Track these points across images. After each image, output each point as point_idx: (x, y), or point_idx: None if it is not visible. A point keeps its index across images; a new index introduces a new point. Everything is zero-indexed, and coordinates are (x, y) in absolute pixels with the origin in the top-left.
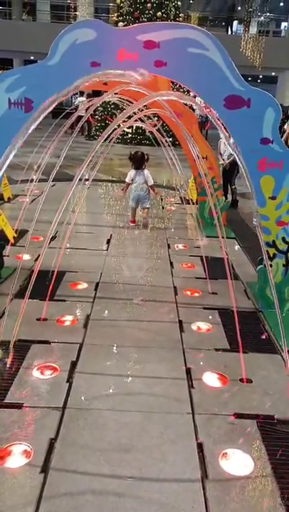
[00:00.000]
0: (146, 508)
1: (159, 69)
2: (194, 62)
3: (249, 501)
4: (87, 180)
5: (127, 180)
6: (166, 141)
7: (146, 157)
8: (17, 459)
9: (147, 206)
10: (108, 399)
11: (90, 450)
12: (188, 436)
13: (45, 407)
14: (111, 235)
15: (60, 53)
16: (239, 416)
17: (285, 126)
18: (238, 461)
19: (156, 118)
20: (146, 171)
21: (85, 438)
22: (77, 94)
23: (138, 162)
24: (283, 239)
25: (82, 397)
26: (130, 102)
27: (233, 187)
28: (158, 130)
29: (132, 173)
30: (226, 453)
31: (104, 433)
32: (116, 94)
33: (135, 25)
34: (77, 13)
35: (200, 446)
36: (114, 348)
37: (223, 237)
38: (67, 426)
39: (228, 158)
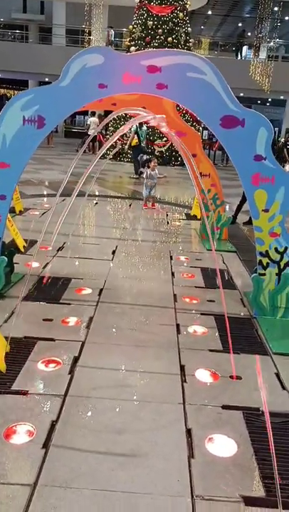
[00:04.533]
0: (136, 480)
1: (160, 91)
2: (193, 85)
3: (231, 478)
4: (96, 196)
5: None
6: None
7: (150, 161)
8: (21, 436)
9: (153, 194)
10: (106, 389)
11: (88, 431)
12: (178, 423)
13: (48, 394)
14: (116, 247)
15: (70, 76)
16: (227, 407)
17: None
18: (223, 445)
19: (164, 139)
20: (156, 171)
21: (84, 421)
22: (88, 114)
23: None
24: (276, 249)
25: (83, 387)
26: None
27: None
28: (166, 150)
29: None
30: (212, 437)
31: (101, 418)
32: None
33: (139, 51)
34: (91, 37)
35: (188, 431)
36: (115, 346)
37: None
38: (67, 411)
39: None
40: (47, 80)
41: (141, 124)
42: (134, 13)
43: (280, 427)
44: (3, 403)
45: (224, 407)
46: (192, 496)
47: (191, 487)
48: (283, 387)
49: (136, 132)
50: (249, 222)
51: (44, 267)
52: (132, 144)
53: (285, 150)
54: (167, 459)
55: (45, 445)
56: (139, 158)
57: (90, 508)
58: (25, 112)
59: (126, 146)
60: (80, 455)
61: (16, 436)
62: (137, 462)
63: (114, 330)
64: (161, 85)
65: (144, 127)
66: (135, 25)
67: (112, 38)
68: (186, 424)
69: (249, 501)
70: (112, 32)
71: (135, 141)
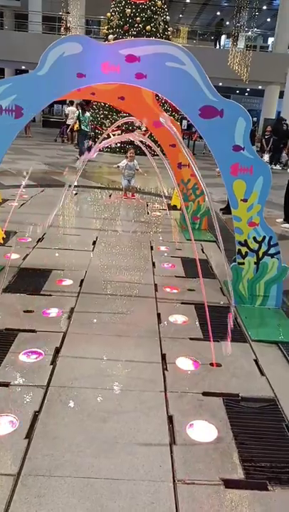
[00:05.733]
0: (118, 467)
1: (139, 81)
2: (172, 75)
3: (211, 462)
4: (76, 186)
5: (120, 164)
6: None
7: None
8: (3, 427)
9: (132, 184)
10: (89, 379)
11: (71, 420)
12: (159, 410)
13: (30, 385)
14: (97, 237)
15: (48, 65)
16: (207, 394)
17: None
18: (204, 430)
19: (144, 129)
20: (135, 162)
21: (67, 411)
22: (67, 103)
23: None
24: (254, 238)
25: (65, 377)
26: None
27: None
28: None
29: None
30: (193, 424)
31: (84, 407)
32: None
33: (118, 40)
34: (68, 24)
35: (170, 418)
36: (96, 336)
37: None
38: (50, 401)
39: None
40: (23, 68)
41: (84, 110)
42: (112, 0)
43: (259, 412)
44: None
45: (205, 393)
46: (174, 481)
47: (173, 472)
48: (262, 373)
49: (78, 118)
50: (225, 209)
51: (24, 259)
52: (74, 129)
53: (263, 140)
54: (149, 445)
55: (28, 435)
56: (84, 144)
57: (74, 495)
58: (2, 101)
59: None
60: (63, 444)
61: None
62: (120, 449)
63: (95, 320)
64: (140, 75)
65: (87, 113)
66: (113, 13)
67: (70, 24)
68: (167, 411)
69: (229, 484)
70: (70, 18)
71: (77, 126)
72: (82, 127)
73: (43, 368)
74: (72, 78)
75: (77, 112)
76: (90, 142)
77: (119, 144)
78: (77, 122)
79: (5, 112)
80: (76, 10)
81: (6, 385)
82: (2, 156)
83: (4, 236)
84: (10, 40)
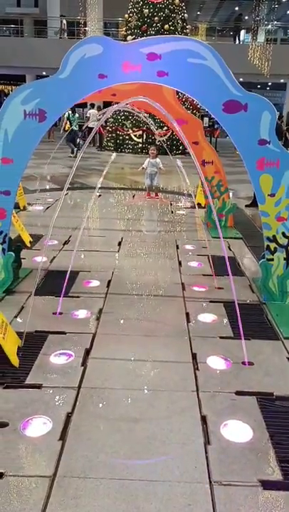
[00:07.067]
0: (153, 468)
1: (161, 78)
2: (194, 71)
3: (248, 463)
4: (98, 188)
5: (144, 164)
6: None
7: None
8: (38, 429)
9: (156, 184)
10: (119, 380)
11: (103, 421)
12: (192, 410)
13: (62, 386)
14: (122, 238)
15: (70, 67)
16: (240, 393)
17: None
18: (239, 430)
19: (165, 128)
20: (158, 159)
21: (99, 412)
22: (87, 106)
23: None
24: (283, 234)
25: (96, 378)
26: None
27: None
28: (167, 139)
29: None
30: (227, 423)
31: (116, 407)
32: (127, 105)
33: (139, 39)
34: (87, 28)
35: (203, 418)
36: (125, 337)
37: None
38: (82, 402)
39: None
40: (44, 73)
41: (74, 111)
42: (129, 1)
43: None
44: (18, 397)
45: (238, 393)
46: (210, 482)
47: (209, 473)
48: None
49: (68, 118)
50: (251, 205)
51: (51, 261)
52: (66, 129)
53: (287, 134)
54: (183, 446)
55: (62, 437)
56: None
57: (109, 496)
58: (26, 105)
59: (61, 131)
60: (96, 445)
61: (32, 430)
62: (154, 450)
63: (124, 321)
64: (161, 73)
65: (76, 114)
66: (131, 14)
67: (65, 27)
68: (200, 411)
69: (267, 485)
70: (65, 21)
71: (68, 126)
72: (73, 127)
73: (74, 370)
74: (94, 79)
75: (67, 113)
76: (78, 140)
77: (141, 145)
78: (68, 123)
79: (29, 117)
80: (94, 13)
81: (39, 386)
82: (27, 160)
83: (31, 240)
84: (30, 46)
